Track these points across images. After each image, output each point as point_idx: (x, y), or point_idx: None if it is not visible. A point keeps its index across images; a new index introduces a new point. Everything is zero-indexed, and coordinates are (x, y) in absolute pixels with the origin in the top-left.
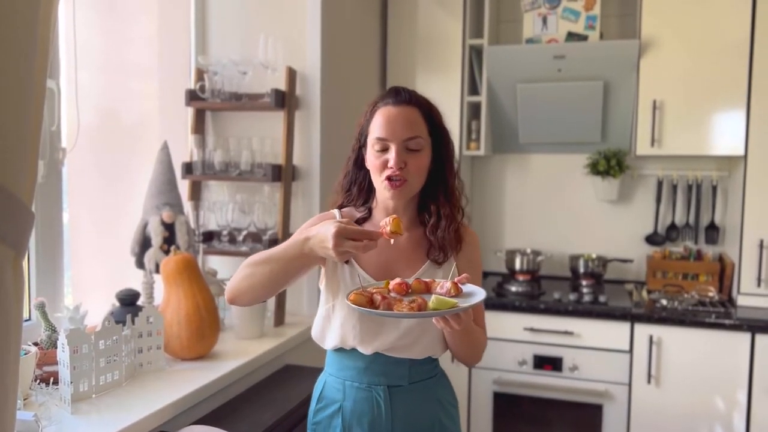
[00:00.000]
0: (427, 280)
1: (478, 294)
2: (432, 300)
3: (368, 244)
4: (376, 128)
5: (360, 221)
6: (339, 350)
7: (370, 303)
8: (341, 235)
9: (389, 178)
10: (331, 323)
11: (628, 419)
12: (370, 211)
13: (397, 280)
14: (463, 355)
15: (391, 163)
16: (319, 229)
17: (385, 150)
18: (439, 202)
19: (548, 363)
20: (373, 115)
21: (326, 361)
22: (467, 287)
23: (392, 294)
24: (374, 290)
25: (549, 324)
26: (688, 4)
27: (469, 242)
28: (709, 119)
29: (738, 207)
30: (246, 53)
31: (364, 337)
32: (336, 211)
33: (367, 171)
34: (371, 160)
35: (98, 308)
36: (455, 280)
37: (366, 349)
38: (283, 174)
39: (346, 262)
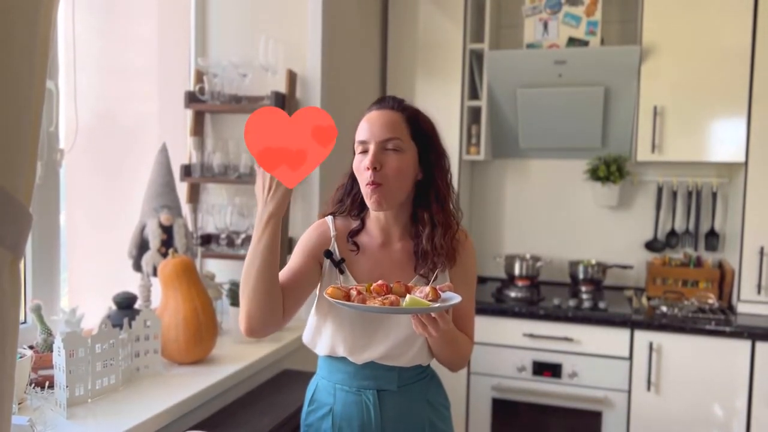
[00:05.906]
0: (409, 284)
1: (454, 299)
2: (406, 299)
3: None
4: (359, 132)
5: (354, 233)
6: (329, 356)
7: (347, 298)
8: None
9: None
10: (322, 333)
11: (628, 426)
12: (363, 222)
13: (380, 282)
14: (446, 361)
15: (365, 163)
16: None
17: (365, 152)
18: (432, 210)
19: (547, 369)
20: (360, 122)
21: (318, 365)
22: (446, 294)
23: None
24: (354, 288)
25: (548, 330)
26: (689, 11)
27: (465, 254)
28: (710, 126)
29: (738, 214)
30: (246, 55)
31: (353, 349)
32: (329, 218)
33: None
34: (355, 164)
35: (95, 311)
36: (438, 287)
37: (356, 360)
38: None
39: (341, 272)
